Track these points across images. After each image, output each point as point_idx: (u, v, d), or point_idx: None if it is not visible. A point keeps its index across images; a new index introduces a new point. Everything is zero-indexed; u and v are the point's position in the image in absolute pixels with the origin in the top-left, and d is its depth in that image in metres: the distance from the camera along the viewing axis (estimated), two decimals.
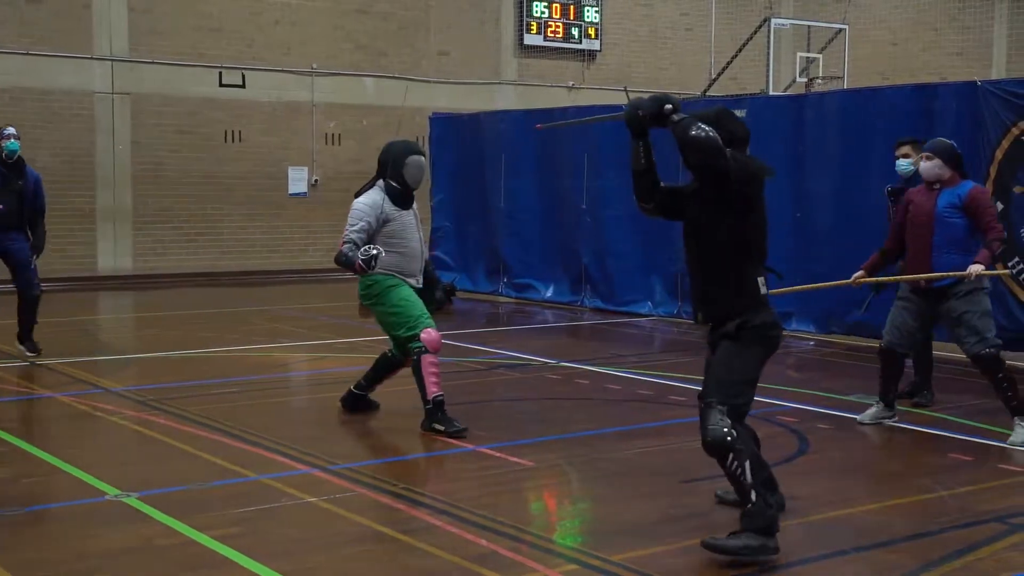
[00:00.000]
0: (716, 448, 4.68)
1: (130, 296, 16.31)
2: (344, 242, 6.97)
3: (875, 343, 10.86)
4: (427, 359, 7.05)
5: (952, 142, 7.38)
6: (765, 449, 6.77)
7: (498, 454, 6.55)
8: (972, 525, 5.26)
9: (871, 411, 7.47)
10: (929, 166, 7.18)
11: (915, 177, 8.23)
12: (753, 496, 4.66)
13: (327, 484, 5.90)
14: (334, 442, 6.95)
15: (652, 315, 13.15)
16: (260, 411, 7.87)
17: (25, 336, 9.93)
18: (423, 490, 5.80)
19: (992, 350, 6.90)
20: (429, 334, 7.07)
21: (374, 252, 6.79)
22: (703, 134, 4.63)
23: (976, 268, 6.90)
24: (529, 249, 14.94)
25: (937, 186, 7.16)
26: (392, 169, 7.13)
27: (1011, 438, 6.84)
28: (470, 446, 6.76)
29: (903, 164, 8.32)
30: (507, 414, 8.01)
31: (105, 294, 16.44)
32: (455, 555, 4.76)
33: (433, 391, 7.06)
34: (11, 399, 8.19)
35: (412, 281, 7.19)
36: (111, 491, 5.69)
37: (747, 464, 4.67)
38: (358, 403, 7.71)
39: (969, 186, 7.15)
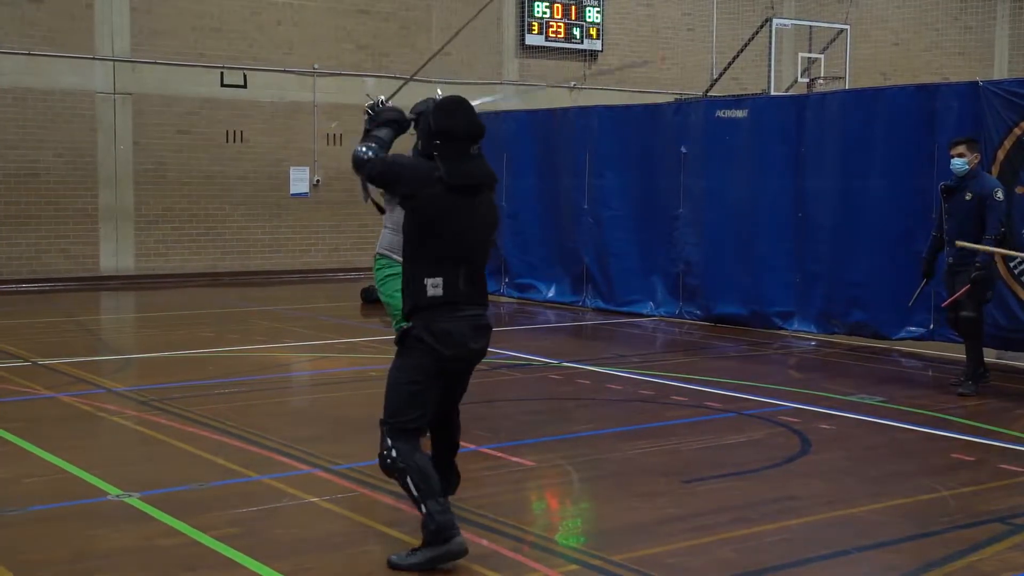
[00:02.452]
0: (385, 471, 4.69)
1: (132, 296, 16.32)
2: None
3: (876, 343, 10.90)
4: None
5: None
6: (767, 448, 6.79)
7: (500, 454, 6.55)
8: (974, 525, 5.26)
9: None
10: None
11: (967, 175, 8.29)
12: (422, 509, 4.59)
13: (329, 484, 5.91)
14: (336, 442, 6.95)
15: (653, 315, 13.15)
16: (262, 411, 7.87)
17: None
18: None
19: None
20: None
21: (381, 97, 6.50)
22: (356, 152, 4.99)
23: None
24: (530, 249, 14.94)
25: None
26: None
27: None
28: (472, 446, 6.75)
29: (958, 163, 8.38)
30: (509, 414, 8.01)
31: (107, 294, 16.44)
32: None
33: None
34: (13, 399, 8.19)
35: None
36: (113, 491, 5.70)
37: (408, 480, 4.59)
38: None
39: None
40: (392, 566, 4.62)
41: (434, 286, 4.67)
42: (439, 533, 4.54)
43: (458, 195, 4.70)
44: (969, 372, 8.55)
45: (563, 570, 4.67)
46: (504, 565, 4.68)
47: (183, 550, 4.84)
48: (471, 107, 4.93)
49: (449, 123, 4.79)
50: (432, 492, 4.59)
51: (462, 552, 4.59)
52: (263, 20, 18.69)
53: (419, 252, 4.72)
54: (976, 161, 8.48)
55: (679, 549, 4.90)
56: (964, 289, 8.34)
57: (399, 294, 7.03)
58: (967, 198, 8.35)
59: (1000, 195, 8.33)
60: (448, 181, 4.68)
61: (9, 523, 5.24)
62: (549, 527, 5.32)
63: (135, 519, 5.28)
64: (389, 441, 4.64)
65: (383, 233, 7.17)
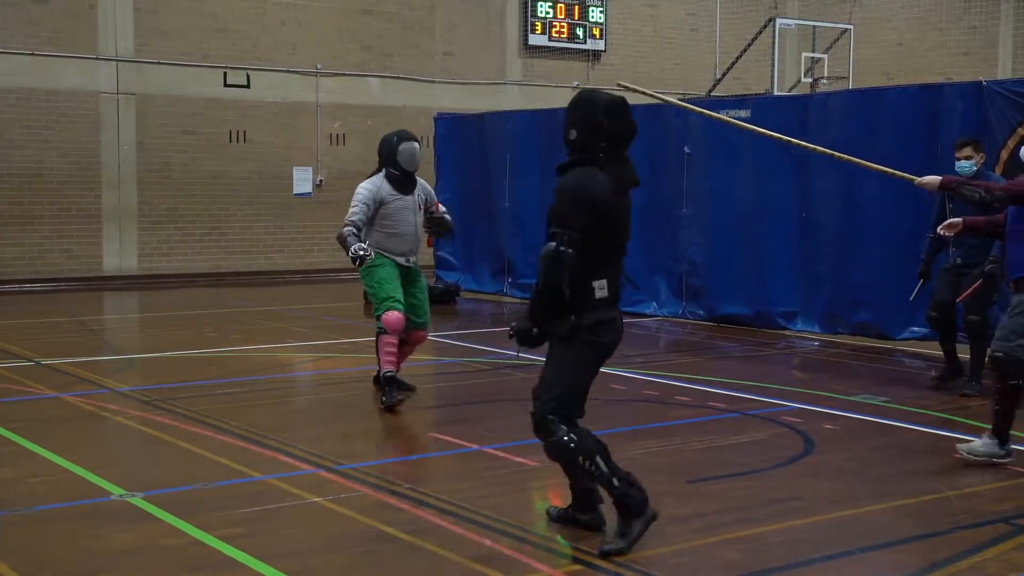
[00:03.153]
0: (562, 457, 4.83)
1: (135, 296, 16.34)
2: (346, 223, 7.73)
3: (880, 343, 10.89)
4: (384, 338, 7.79)
5: None
6: (770, 449, 6.79)
7: (503, 454, 6.55)
8: (978, 526, 5.25)
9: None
10: None
11: (973, 177, 8.28)
12: (616, 483, 4.75)
13: (332, 484, 5.91)
14: (339, 442, 6.96)
15: (657, 315, 13.14)
16: (265, 411, 7.88)
17: None
18: (428, 490, 5.80)
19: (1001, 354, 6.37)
20: (389, 316, 7.73)
21: (362, 253, 7.56)
22: (544, 270, 4.71)
23: (923, 179, 6.81)
24: (534, 249, 14.86)
25: None
26: (389, 158, 7.89)
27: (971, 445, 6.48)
28: (475, 446, 6.76)
29: (965, 165, 8.37)
30: (512, 414, 7.99)
31: (111, 294, 16.46)
32: (460, 555, 4.77)
33: (383, 367, 7.78)
34: (17, 399, 8.20)
35: (401, 260, 7.89)
36: (116, 491, 5.70)
37: (597, 459, 4.77)
38: (391, 383, 7.98)
39: None
40: (607, 554, 4.71)
41: (600, 288, 4.80)
42: (644, 501, 4.74)
43: (620, 198, 4.86)
44: (974, 373, 8.54)
45: (566, 570, 4.67)
46: (507, 565, 4.67)
47: (187, 550, 4.85)
48: (629, 108, 4.95)
49: (620, 128, 4.85)
50: (616, 466, 4.78)
51: (655, 516, 4.81)
52: (267, 21, 18.71)
53: (589, 256, 4.75)
54: (982, 162, 8.49)
55: (683, 549, 4.89)
56: (977, 284, 8.33)
57: (380, 283, 7.71)
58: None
59: None
60: (617, 187, 4.80)
61: (13, 523, 5.24)
62: (552, 527, 5.31)
63: (139, 519, 5.28)
64: (564, 427, 4.79)
65: (376, 236, 7.87)
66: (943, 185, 6.71)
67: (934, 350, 10.44)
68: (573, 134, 4.85)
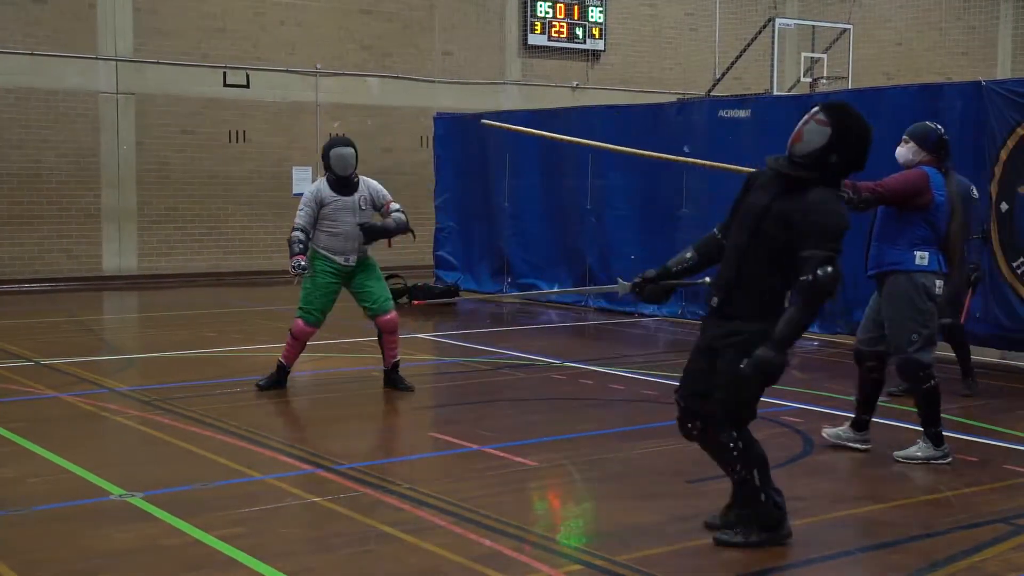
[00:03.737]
0: (718, 456, 4.97)
1: (135, 296, 16.33)
2: (294, 227, 8.38)
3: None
4: (289, 337, 8.55)
5: (935, 126, 6.86)
6: (770, 449, 6.73)
7: (502, 454, 6.55)
8: (977, 526, 5.26)
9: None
10: (902, 151, 6.82)
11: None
12: (762, 498, 4.87)
13: (331, 484, 5.91)
14: (338, 442, 6.96)
15: (656, 315, 13.15)
16: (264, 411, 7.88)
17: None
18: (427, 490, 5.80)
19: (904, 359, 6.36)
20: (296, 324, 8.50)
21: (304, 266, 8.27)
22: (825, 295, 4.79)
23: None
24: (533, 249, 14.94)
25: None
26: (326, 163, 8.43)
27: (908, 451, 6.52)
28: (475, 446, 6.76)
29: None
30: (511, 414, 8.01)
31: (110, 294, 16.45)
32: (459, 555, 4.77)
33: (281, 358, 8.58)
34: (16, 399, 8.20)
35: (340, 259, 8.38)
36: (116, 491, 5.70)
37: (755, 471, 4.86)
38: (388, 377, 8.60)
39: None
40: (717, 541, 4.87)
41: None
42: (779, 521, 4.84)
43: None
44: (965, 373, 8.52)
45: (566, 570, 4.67)
46: (507, 565, 4.67)
47: (186, 550, 4.85)
48: None
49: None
50: (770, 480, 4.86)
51: (790, 533, 4.89)
52: (266, 20, 18.70)
53: (789, 273, 4.84)
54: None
55: (683, 549, 4.90)
56: (969, 295, 8.30)
57: (309, 292, 8.35)
58: None
59: (975, 192, 8.27)
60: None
61: (12, 523, 5.25)
62: (552, 527, 5.32)
63: (138, 519, 5.28)
64: (735, 433, 4.82)
65: (320, 235, 8.39)
66: None
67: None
68: (834, 158, 4.77)
